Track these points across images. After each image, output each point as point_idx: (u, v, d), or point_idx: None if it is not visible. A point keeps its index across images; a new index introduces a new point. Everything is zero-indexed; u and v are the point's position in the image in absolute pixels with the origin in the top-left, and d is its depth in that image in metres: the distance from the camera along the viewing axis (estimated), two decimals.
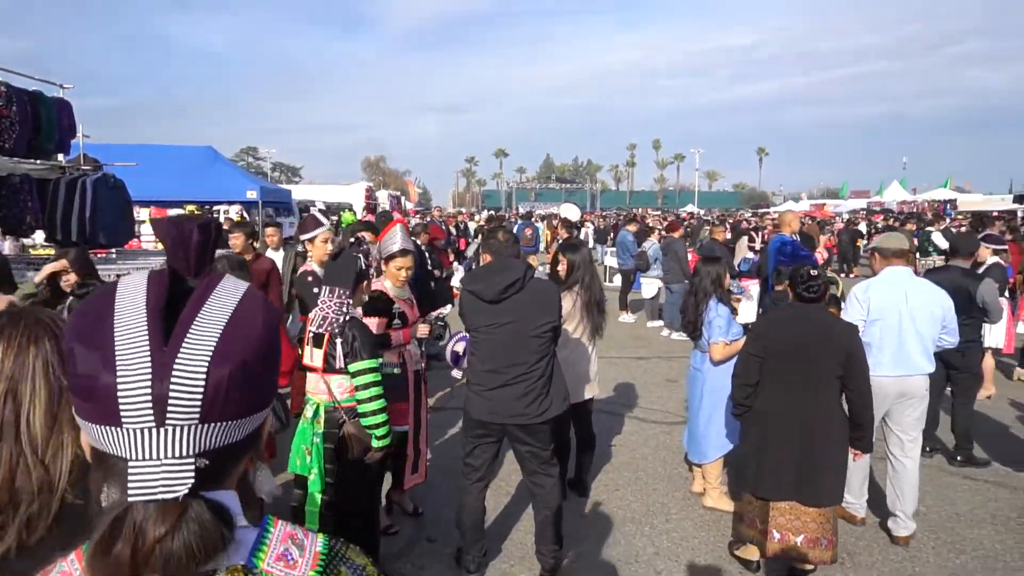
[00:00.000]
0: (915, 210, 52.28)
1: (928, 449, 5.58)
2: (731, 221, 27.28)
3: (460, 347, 3.92)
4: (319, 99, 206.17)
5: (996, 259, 6.80)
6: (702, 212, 61.48)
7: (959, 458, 5.40)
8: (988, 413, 6.45)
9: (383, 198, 43.70)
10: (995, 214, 42.08)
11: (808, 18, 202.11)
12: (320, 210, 5.31)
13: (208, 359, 0.71)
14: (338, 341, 3.25)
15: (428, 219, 28.07)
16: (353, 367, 3.22)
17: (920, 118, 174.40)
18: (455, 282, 8.64)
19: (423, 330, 4.20)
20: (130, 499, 0.70)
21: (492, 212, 46.67)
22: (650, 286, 11.52)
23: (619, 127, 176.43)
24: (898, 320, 4.16)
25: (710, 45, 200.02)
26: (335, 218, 18.87)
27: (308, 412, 3.40)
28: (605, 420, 6.43)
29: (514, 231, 15.05)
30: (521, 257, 4.06)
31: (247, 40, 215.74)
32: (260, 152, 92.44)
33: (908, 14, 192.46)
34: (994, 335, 6.53)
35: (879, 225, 23.04)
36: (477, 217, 38.33)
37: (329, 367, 3.29)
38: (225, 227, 15.96)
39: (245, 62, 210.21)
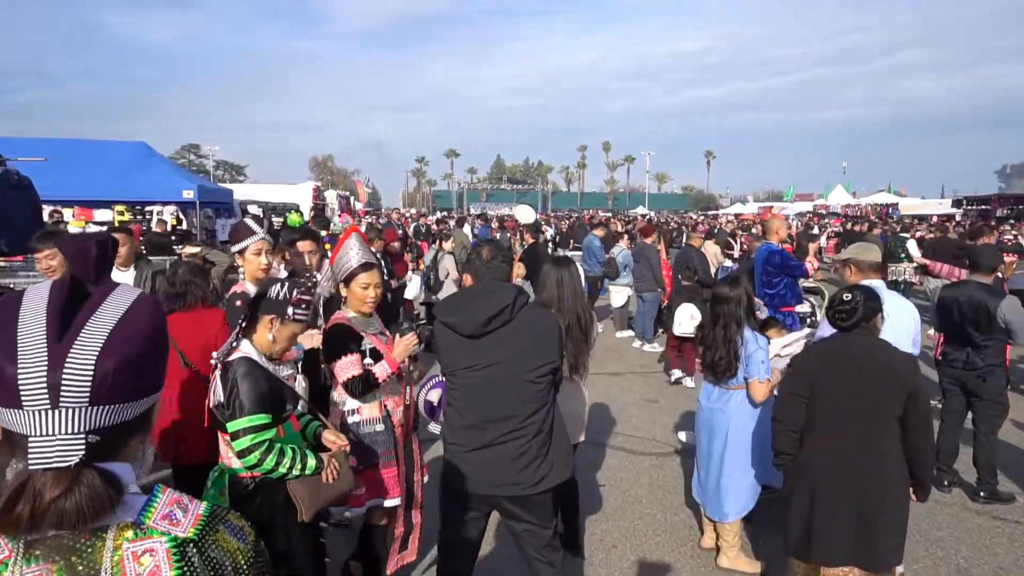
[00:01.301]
0: (858, 213, 53.83)
1: (947, 483, 5.03)
2: (706, 226, 26.93)
3: (435, 395, 3.11)
4: (266, 96, 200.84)
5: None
6: (653, 214, 61.92)
7: (982, 494, 4.85)
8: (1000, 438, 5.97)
9: (331, 198, 42.30)
10: (934, 218, 43.34)
11: (757, 26, 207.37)
12: (253, 215, 4.38)
13: (96, 353, 0.89)
14: (218, 387, 2.41)
15: (384, 221, 27.00)
16: (231, 426, 2.38)
17: (860, 124, 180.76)
18: (409, 293, 7.79)
19: (406, 346, 3.18)
20: (30, 468, 0.88)
21: (444, 213, 45.69)
22: (619, 294, 10.87)
23: (570, 129, 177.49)
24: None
25: (662, 50, 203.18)
26: (280, 221, 17.74)
27: (209, 481, 2.56)
28: (587, 452, 5.70)
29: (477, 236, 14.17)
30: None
31: (191, 34, 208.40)
32: (202, 150, 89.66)
33: (850, 25, 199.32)
34: None
35: (836, 229, 23.04)
36: (431, 218, 37.38)
37: (216, 422, 2.46)
38: (159, 230, 14.55)
39: (189, 57, 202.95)
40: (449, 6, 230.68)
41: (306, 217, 27.90)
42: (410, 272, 8.00)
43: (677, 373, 8.18)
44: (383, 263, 7.60)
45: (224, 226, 17.73)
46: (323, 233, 11.43)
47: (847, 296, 3.10)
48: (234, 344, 2.58)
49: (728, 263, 9.13)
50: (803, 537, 3.02)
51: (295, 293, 2.57)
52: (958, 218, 42.52)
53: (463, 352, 2.70)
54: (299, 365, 3.73)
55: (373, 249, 7.53)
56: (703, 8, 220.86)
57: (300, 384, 3.46)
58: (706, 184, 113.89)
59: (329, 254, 3.74)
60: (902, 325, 3.81)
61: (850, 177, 68.69)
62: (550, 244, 20.44)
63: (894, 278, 12.55)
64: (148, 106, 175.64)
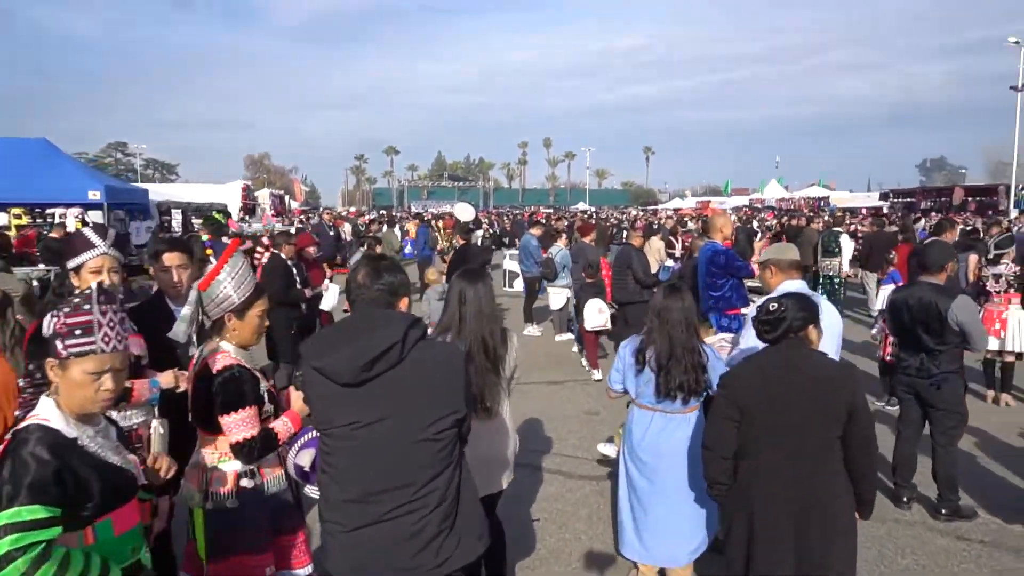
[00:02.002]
0: (792, 207, 55.26)
1: (906, 500, 4.68)
2: (644, 221, 26.65)
3: (307, 458, 2.47)
4: (200, 93, 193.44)
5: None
6: (594, 209, 62.09)
7: (944, 511, 4.51)
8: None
9: (264, 197, 40.65)
10: (863, 211, 44.67)
11: (691, 26, 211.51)
12: (96, 224, 3.60)
13: None
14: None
15: (316, 220, 25.79)
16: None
17: (791, 121, 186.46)
18: (326, 304, 7.08)
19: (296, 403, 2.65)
20: None
21: (382, 212, 44.61)
22: (558, 296, 10.37)
23: (511, 126, 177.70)
24: None
25: (600, 47, 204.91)
26: (198, 223, 16.58)
27: None
28: (521, 479, 5.15)
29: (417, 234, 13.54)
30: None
31: (116, 28, 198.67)
32: (130, 148, 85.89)
33: (779, 25, 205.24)
34: None
35: (771, 224, 23.20)
36: (368, 217, 36.27)
37: None
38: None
39: (115, 51, 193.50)
40: (386, 2, 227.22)
41: (235, 217, 26.75)
42: (327, 281, 7.26)
43: (597, 374, 8.21)
44: (297, 270, 6.88)
45: (139, 229, 16.49)
46: (225, 240, 10.52)
47: (773, 306, 2.73)
48: (28, 410, 1.92)
49: (670, 263, 8.75)
50: (744, 572, 2.71)
51: (61, 318, 1.86)
52: (885, 210, 44.29)
53: (340, 405, 2.09)
54: (155, 409, 3.04)
55: (284, 255, 6.82)
56: (637, 7, 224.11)
57: (158, 431, 2.77)
58: (646, 180, 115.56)
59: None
60: (828, 329, 3.42)
61: (783, 172, 70.54)
62: (489, 242, 19.81)
63: (828, 273, 12.45)
64: (66, 102, 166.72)
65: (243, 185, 29.13)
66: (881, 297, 12.21)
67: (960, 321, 4.44)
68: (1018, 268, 6.80)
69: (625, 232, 22.25)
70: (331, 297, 7.03)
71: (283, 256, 6.67)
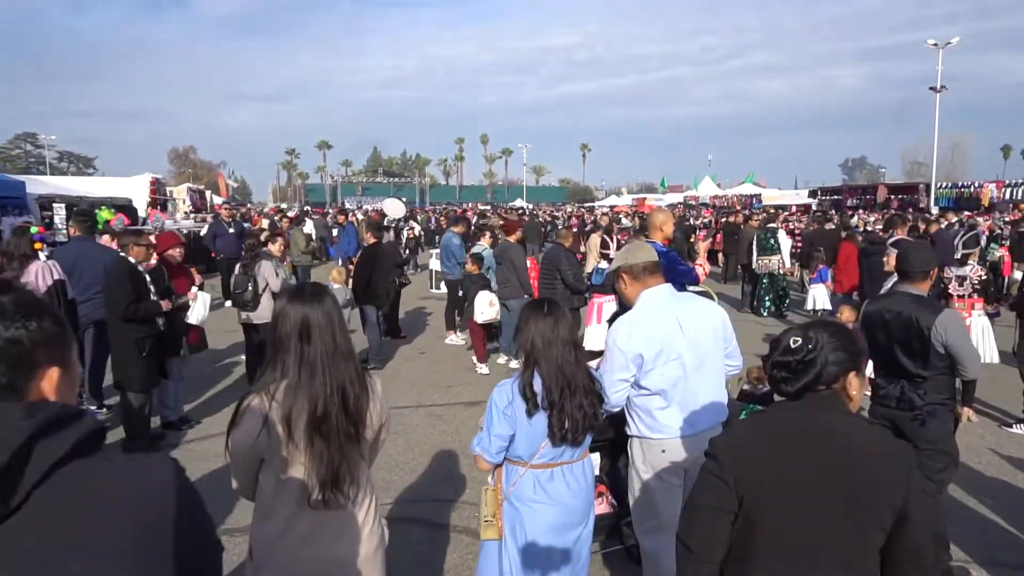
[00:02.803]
0: (726, 204, 55.92)
1: None
2: (576, 219, 25.70)
3: None
4: (121, 83, 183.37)
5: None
6: (531, 206, 61.33)
7: None
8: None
9: (181, 192, 38.09)
10: (792, 207, 45.33)
11: (623, 25, 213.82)
12: None
13: None
14: None
15: (228, 220, 23.85)
16: None
17: (720, 120, 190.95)
18: (194, 317, 5.83)
19: None
20: None
21: (308, 208, 42.65)
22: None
23: (447, 121, 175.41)
24: (679, 361, 2.95)
25: (534, 44, 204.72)
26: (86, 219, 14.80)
27: None
28: (418, 535, 4.10)
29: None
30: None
31: (33, 13, 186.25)
32: (40, 139, 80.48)
33: (704, 27, 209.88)
34: None
35: (708, 221, 22.79)
36: (292, 213, 34.32)
37: None
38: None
39: (23, 34, 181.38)
40: None
41: (141, 213, 24.60)
42: (195, 288, 5.98)
43: (484, 368, 8.16)
44: (154, 277, 5.60)
45: (13, 224, 14.57)
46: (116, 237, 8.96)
47: (797, 339, 1.78)
48: None
49: (604, 264, 7.87)
50: None
51: None
52: (813, 207, 45.15)
53: None
54: None
55: (132, 258, 5.52)
56: (570, 5, 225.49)
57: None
58: (582, 177, 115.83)
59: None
60: (707, 332, 3.05)
61: (715, 169, 71.53)
62: (413, 243, 18.55)
63: (767, 271, 11.84)
64: None
65: (152, 179, 26.89)
66: (813, 297, 11.92)
67: (947, 342, 3.61)
68: (983, 271, 6.15)
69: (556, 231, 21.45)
70: (200, 308, 5.78)
71: (131, 259, 5.37)
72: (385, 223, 27.89)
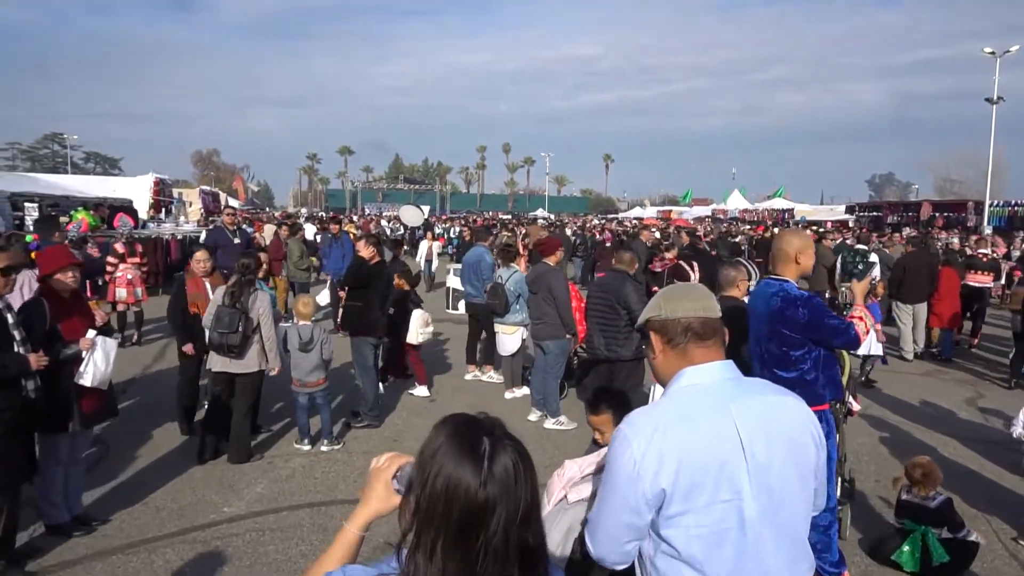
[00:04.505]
0: (756, 218, 53.77)
1: None
2: (611, 230, 23.31)
3: None
4: (148, 87, 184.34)
5: None
6: (552, 217, 59.33)
7: None
8: None
9: (192, 195, 36.75)
10: (828, 223, 43.21)
11: (645, 35, 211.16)
12: None
13: None
14: None
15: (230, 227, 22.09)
16: None
17: (741, 133, 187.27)
18: (90, 376, 3.98)
19: None
20: None
21: (322, 214, 41.10)
22: (510, 338, 7.44)
23: (470, 129, 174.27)
24: (733, 504, 1.59)
25: (556, 54, 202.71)
26: (66, 220, 13.14)
27: None
28: None
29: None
30: None
31: (55, 16, 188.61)
32: (66, 140, 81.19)
33: (724, 39, 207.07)
34: None
35: (754, 237, 20.62)
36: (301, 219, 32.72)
37: None
38: None
39: (54, 41, 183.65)
40: (340, 2, 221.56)
41: (142, 215, 23.02)
42: (92, 333, 4.06)
43: (422, 391, 7.51)
44: (37, 313, 3.78)
45: None
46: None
47: None
48: None
49: None
50: None
51: None
52: (851, 224, 42.81)
53: None
54: None
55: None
56: (591, 16, 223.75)
57: None
58: (604, 188, 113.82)
59: None
60: (790, 456, 1.65)
61: (739, 183, 69.17)
62: (423, 253, 16.59)
63: (849, 300, 9.81)
64: (2, 91, 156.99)
65: (155, 179, 25.41)
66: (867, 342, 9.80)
67: None
68: None
69: (591, 242, 19.35)
70: (99, 363, 3.94)
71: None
72: (399, 236, 25.92)
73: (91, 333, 3.95)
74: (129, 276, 9.74)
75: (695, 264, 5.29)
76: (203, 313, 5.46)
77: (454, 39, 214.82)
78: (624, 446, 1.59)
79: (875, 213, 47.84)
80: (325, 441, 5.80)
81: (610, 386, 3.27)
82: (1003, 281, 15.68)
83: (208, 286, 5.75)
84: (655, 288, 9.79)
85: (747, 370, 4.66)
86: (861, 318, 3.48)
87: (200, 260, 5.80)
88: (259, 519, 4.50)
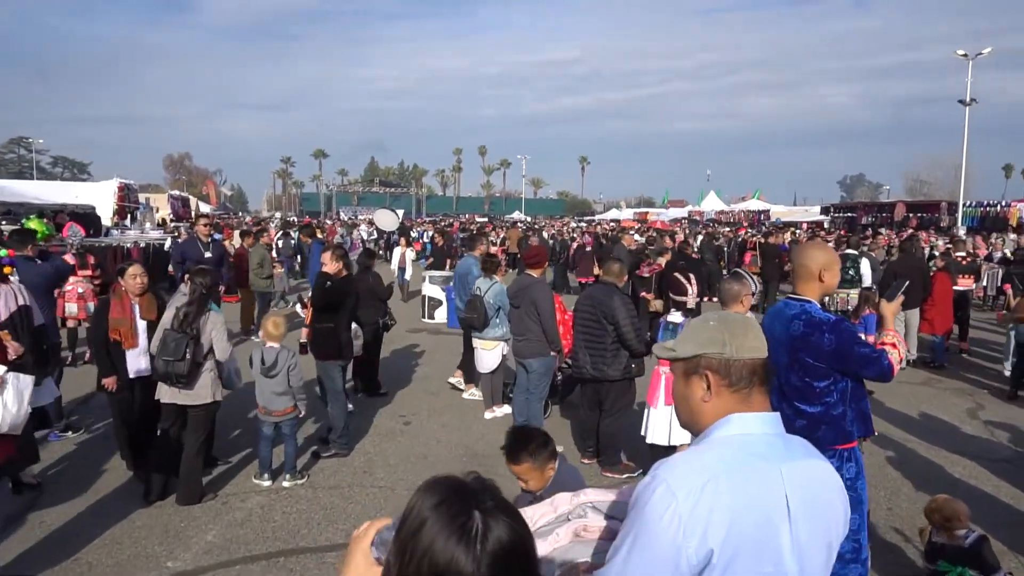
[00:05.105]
0: (732, 219, 53.97)
1: None
2: (592, 234, 22.35)
3: None
4: (118, 89, 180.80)
5: None
6: (529, 218, 58.86)
7: None
8: None
9: (160, 200, 35.74)
10: (803, 224, 43.37)
11: (621, 40, 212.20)
12: None
13: None
14: None
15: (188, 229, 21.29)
16: None
17: (716, 135, 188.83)
18: None
19: None
20: None
21: (293, 218, 40.30)
22: (489, 354, 6.95)
23: (445, 133, 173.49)
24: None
25: (533, 58, 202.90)
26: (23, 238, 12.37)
27: None
28: None
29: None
30: None
31: (26, 17, 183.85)
32: (32, 144, 79.24)
33: (699, 44, 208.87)
34: None
35: (734, 239, 20.30)
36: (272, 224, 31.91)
37: None
38: None
39: (25, 42, 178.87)
40: (319, 4, 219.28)
41: (105, 222, 22.11)
42: (2, 369, 3.50)
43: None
44: None
45: None
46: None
47: None
48: None
49: (676, 316, 5.19)
50: None
51: None
52: (826, 225, 43.00)
53: None
54: None
55: None
56: (569, 21, 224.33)
57: None
58: (581, 190, 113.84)
59: None
60: (824, 519, 1.47)
61: (713, 185, 69.51)
62: (397, 259, 15.93)
63: (840, 308, 9.50)
64: None
65: (120, 184, 24.47)
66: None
67: None
68: None
69: (575, 247, 18.86)
70: (11, 404, 3.37)
71: None
72: (372, 245, 25.14)
73: (0, 370, 3.38)
74: (80, 290, 9.06)
75: (691, 276, 4.85)
76: (126, 340, 4.88)
77: (432, 43, 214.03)
78: (666, 500, 1.34)
79: (849, 214, 48.18)
80: (287, 476, 5.24)
81: (526, 427, 2.96)
82: (984, 283, 15.61)
83: (137, 309, 5.13)
84: (643, 293, 9.35)
85: None
86: (894, 345, 3.05)
87: (134, 276, 5.16)
88: None
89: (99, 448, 5.83)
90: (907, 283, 3.47)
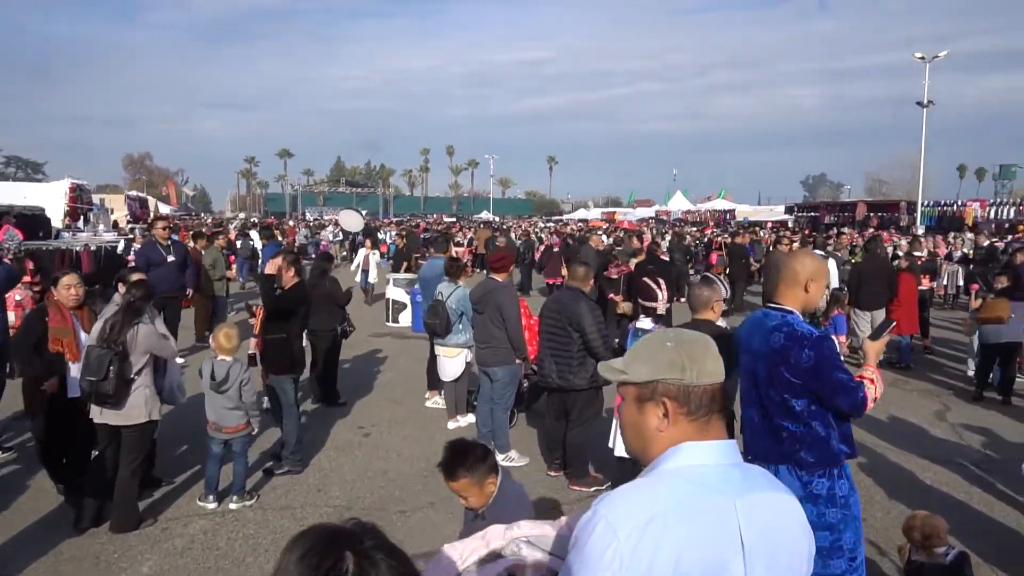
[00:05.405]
0: (698, 219, 54.49)
1: None
2: (559, 234, 22.15)
3: None
4: (78, 88, 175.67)
5: None
6: (497, 218, 58.55)
7: None
8: None
9: (117, 201, 34.67)
10: (768, 224, 43.97)
11: (590, 41, 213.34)
12: None
13: None
14: None
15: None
16: None
17: (683, 136, 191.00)
18: None
19: None
20: None
21: (255, 219, 39.50)
22: (452, 362, 6.69)
23: (413, 133, 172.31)
24: None
25: (502, 58, 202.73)
26: None
27: None
28: None
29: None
30: None
31: None
32: None
33: (666, 45, 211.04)
34: None
35: (701, 239, 20.26)
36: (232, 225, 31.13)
37: None
38: None
39: None
40: (284, 2, 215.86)
41: (56, 224, 21.24)
42: None
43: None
44: None
45: None
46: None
47: None
48: None
49: (646, 323, 4.99)
50: None
51: None
52: (791, 224, 43.65)
53: None
54: None
55: None
56: (539, 21, 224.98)
57: None
58: (549, 190, 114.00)
59: None
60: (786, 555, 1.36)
61: (680, 185, 70.25)
62: (361, 260, 15.53)
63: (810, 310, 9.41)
64: None
65: (71, 184, 23.56)
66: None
67: None
68: None
69: (543, 248, 18.65)
70: None
71: None
72: (329, 250, 24.52)
73: None
74: (18, 297, 8.56)
75: (660, 281, 4.64)
76: (69, 351, 4.52)
77: (400, 42, 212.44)
78: (606, 539, 1.24)
79: (813, 213, 49.00)
80: (235, 497, 4.91)
81: (463, 441, 2.75)
82: (944, 282, 15.84)
83: (77, 321, 4.77)
84: (611, 295, 9.15)
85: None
86: (872, 381, 2.86)
87: (68, 287, 4.80)
88: None
89: (32, 470, 5.42)
90: (893, 323, 3.32)
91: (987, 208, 36.67)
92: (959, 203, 39.10)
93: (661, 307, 4.98)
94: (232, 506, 4.87)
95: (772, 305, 2.97)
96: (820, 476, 2.83)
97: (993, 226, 32.57)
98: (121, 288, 5.01)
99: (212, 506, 4.86)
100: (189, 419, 6.31)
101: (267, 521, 4.71)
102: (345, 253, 27.63)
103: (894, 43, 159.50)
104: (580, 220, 54.13)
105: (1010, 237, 26.23)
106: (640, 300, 4.73)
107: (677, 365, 1.36)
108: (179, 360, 8.69)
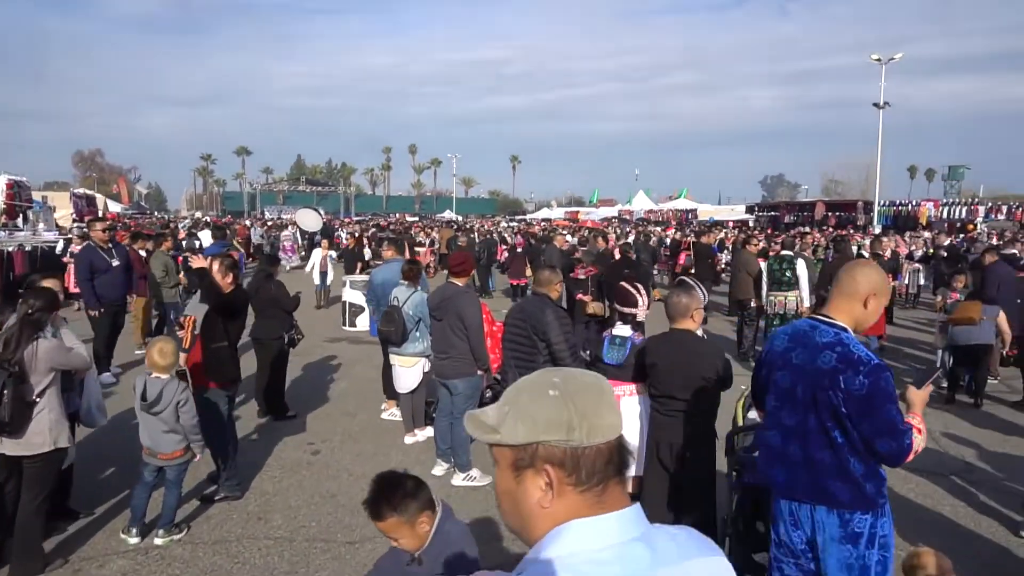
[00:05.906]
0: (661, 218, 54.75)
1: None
2: (523, 233, 21.36)
3: None
4: (19, 81, 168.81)
5: None
6: (460, 218, 57.97)
7: None
8: None
9: (61, 199, 33.13)
10: (730, 223, 44.37)
11: (551, 41, 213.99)
12: None
13: None
14: None
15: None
16: None
17: (644, 136, 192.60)
18: None
19: None
20: None
21: (209, 220, 38.18)
22: (409, 371, 6.22)
23: (374, 131, 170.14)
24: None
25: (464, 57, 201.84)
26: None
27: None
28: None
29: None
30: None
31: None
32: None
33: (627, 46, 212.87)
34: None
35: (670, 235, 20.11)
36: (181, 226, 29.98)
37: None
38: None
39: None
40: None
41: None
42: None
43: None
44: None
45: None
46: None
47: None
48: None
49: (623, 329, 4.46)
50: None
51: None
52: (751, 224, 44.11)
53: None
54: None
55: None
56: (500, 20, 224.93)
57: None
58: (512, 189, 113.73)
59: None
60: None
61: (641, 184, 70.71)
62: (318, 263, 14.86)
63: (777, 311, 9.21)
64: None
65: (8, 181, 22.29)
66: None
67: None
68: None
69: (507, 249, 18.21)
70: None
71: None
72: (274, 250, 23.71)
73: None
74: None
75: (639, 286, 4.24)
76: None
77: (361, 40, 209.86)
78: None
79: (773, 213, 49.66)
80: (161, 531, 4.36)
81: (392, 474, 2.40)
82: (905, 280, 15.91)
83: None
84: (579, 295, 8.78)
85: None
86: (919, 430, 2.49)
87: None
88: None
89: None
90: (938, 372, 2.99)
91: (940, 208, 37.51)
92: (913, 203, 39.96)
93: (641, 314, 4.58)
94: (158, 541, 4.32)
95: (821, 317, 2.59)
96: (863, 513, 2.47)
97: (946, 225, 33.36)
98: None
99: (135, 540, 4.31)
100: (118, 441, 5.74)
101: (196, 558, 4.18)
102: (304, 254, 26.83)
103: (849, 46, 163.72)
104: (544, 219, 53.91)
105: (962, 236, 26.85)
106: (618, 305, 4.34)
107: (562, 423, 1.03)
108: (108, 375, 8.07)
